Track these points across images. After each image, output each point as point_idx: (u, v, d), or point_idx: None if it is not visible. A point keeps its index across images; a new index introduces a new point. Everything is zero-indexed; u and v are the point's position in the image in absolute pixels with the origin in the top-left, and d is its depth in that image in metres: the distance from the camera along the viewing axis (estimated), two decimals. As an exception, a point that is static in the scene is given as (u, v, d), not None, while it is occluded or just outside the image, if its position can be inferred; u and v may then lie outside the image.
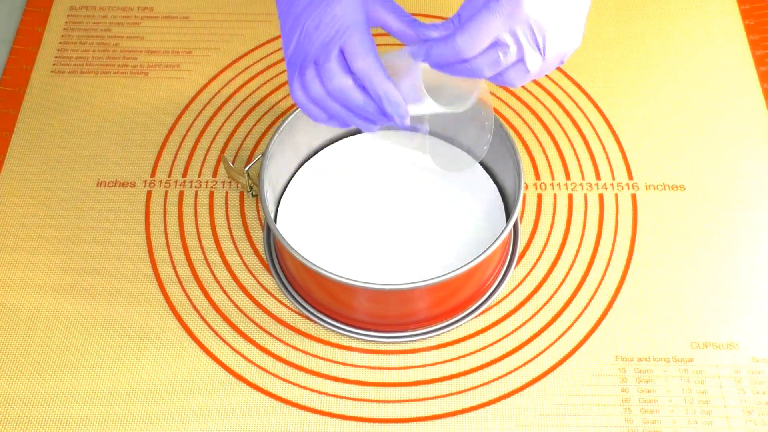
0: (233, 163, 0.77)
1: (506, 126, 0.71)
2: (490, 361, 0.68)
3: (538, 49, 0.54)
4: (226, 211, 0.76)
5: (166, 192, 0.77)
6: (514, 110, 0.81)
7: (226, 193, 0.77)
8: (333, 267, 0.65)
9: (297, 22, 0.57)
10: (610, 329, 0.70)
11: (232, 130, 0.81)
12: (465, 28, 0.54)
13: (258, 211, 0.76)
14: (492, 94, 0.81)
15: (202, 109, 0.82)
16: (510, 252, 0.73)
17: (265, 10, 0.88)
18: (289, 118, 0.70)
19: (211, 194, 0.77)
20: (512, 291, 0.72)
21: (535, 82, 0.83)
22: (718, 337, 0.69)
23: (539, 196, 0.76)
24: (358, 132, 0.76)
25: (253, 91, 0.83)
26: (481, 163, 0.74)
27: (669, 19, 0.87)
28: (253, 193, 0.75)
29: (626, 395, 0.66)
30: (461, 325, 0.70)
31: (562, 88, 0.83)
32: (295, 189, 0.74)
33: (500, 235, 0.65)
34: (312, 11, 0.56)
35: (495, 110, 0.78)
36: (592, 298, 0.71)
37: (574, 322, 0.70)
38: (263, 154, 0.68)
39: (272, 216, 0.67)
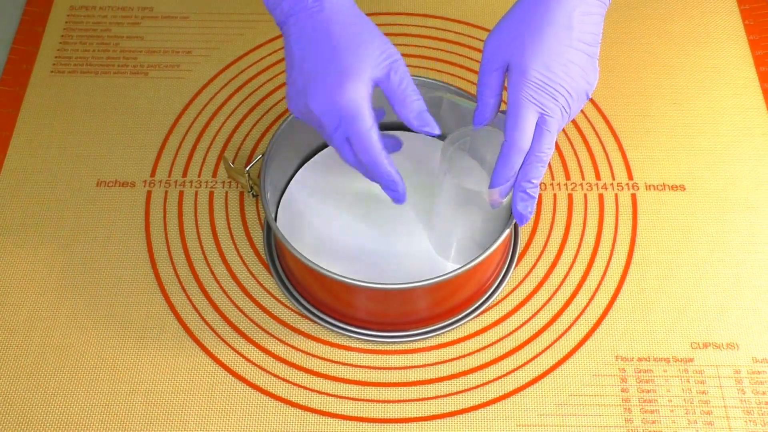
0: (233, 163, 0.77)
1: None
2: (491, 360, 0.68)
3: (568, 107, 0.60)
4: (226, 211, 0.76)
5: (166, 192, 0.77)
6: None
7: (226, 193, 0.77)
8: (333, 266, 0.65)
9: (303, 94, 0.60)
10: (610, 329, 0.70)
11: (232, 130, 0.81)
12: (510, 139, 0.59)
13: (258, 211, 0.76)
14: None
15: (202, 109, 0.82)
16: (510, 252, 0.73)
17: (266, 10, 0.88)
18: (290, 118, 0.70)
19: (211, 194, 0.77)
20: (512, 291, 0.72)
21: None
22: (718, 337, 0.69)
23: (539, 197, 0.76)
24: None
25: (253, 91, 0.83)
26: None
27: (669, 19, 0.87)
28: (254, 193, 0.75)
29: (626, 395, 0.66)
30: (461, 325, 0.70)
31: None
32: (295, 189, 0.74)
33: (500, 235, 0.65)
34: (318, 91, 0.59)
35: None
36: (592, 298, 0.71)
37: (574, 322, 0.70)
38: (264, 154, 0.69)
39: (273, 216, 0.67)
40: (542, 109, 0.59)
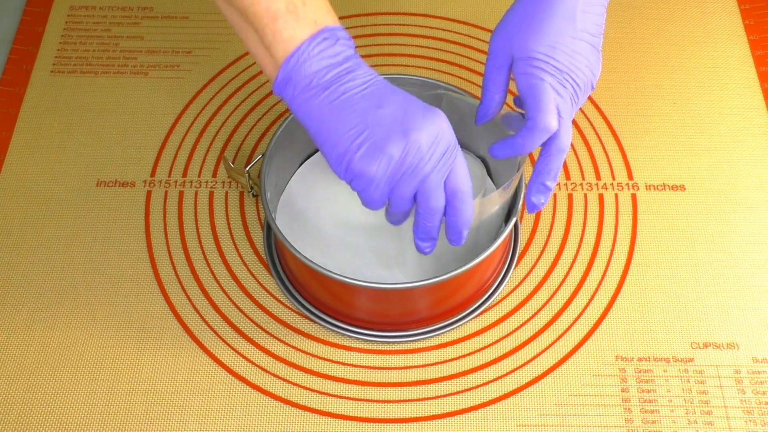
0: (233, 163, 0.78)
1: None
2: (491, 360, 0.69)
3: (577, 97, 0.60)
4: (226, 211, 0.76)
5: (166, 192, 0.77)
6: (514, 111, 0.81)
7: (226, 193, 0.77)
8: (333, 266, 0.65)
9: (400, 132, 0.55)
10: (610, 329, 0.70)
11: (232, 130, 0.81)
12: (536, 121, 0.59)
13: (258, 210, 0.76)
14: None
15: (202, 109, 0.82)
16: (510, 252, 0.73)
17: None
18: (289, 118, 0.70)
19: (211, 194, 0.77)
20: (512, 291, 0.72)
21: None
22: (718, 337, 0.69)
23: None
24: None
25: (253, 91, 0.83)
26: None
27: (669, 19, 0.87)
28: (254, 193, 0.75)
29: (626, 395, 0.67)
30: (461, 324, 0.70)
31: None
32: (295, 189, 0.75)
33: (500, 235, 0.65)
34: (418, 121, 0.55)
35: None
36: (592, 298, 0.71)
37: (574, 321, 0.70)
38: (264, 154, 0.69)
39: (273, 216, 0.68)
40: (555, 92, 0.59)
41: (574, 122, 0.81)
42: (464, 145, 0.74)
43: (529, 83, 0.59)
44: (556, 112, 0.59)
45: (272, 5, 0.55)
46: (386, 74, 0.71)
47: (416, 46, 0.86)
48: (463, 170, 0.58)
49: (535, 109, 0.59)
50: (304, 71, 0.55)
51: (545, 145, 0.61)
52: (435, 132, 0.56)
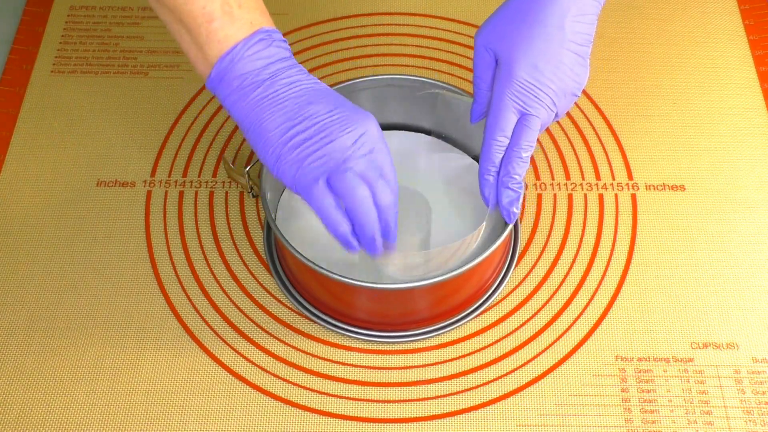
0: (233, 164, 0.78)
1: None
2: (491, 360, 0.69)
3: (554, 105, 0.61)
4: (226, 211, 0.76)
5: (166, 192, 0.77)
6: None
7: (226, 193, 0.77)
8: (333, 266, 0.65)
9: (327, 130, 0.56)
10: (610, 329, 0.70)
11: (232, 130, 0.81)
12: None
13: (258, 211, 0.76)
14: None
15: (202, 109, 0.82)
16: (510, 252, 0.73)
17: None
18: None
19: (211, 194, 0.77)
20: (512, 291, 0.72)
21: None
22: (718, 337, 0.69)
23: (539, 196, 0.77)
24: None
25: (253, 91, 0.84)
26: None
27: (669, 19, 0.88)
28: (254, 194, 0.75)
29: (626, 395, 0.67)
30: (461, 325, 0.70)
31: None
32: None
33: (500, 235, 0.65)
34: (345, 121, 0.57)
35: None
36: (592, 298, 0.71)
37: (574, 322, 0.70)
38: None
39: (273, 216, 0.67)
40: (525, 108, 0.60)
41: (574, 123, 0.82)
42: (460, 145, 0.75)
43: (499, 97, 0.60)
44: (510, 129, 0.61)
45: (208, 5, 0.55)
46: (385, 74, 0.73)
47: (415, 46, 0.86)
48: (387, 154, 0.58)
49: (492, 123, 0.61)
50: (238, 70, 0.56)
51: (507, 150, 0.62)
52: (361, 132, 0.57)
